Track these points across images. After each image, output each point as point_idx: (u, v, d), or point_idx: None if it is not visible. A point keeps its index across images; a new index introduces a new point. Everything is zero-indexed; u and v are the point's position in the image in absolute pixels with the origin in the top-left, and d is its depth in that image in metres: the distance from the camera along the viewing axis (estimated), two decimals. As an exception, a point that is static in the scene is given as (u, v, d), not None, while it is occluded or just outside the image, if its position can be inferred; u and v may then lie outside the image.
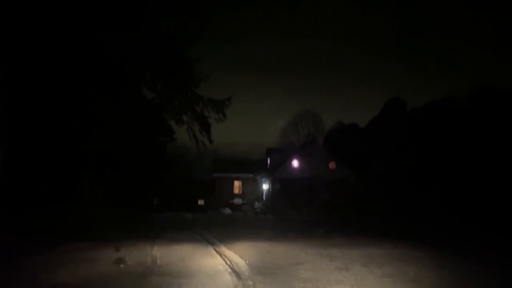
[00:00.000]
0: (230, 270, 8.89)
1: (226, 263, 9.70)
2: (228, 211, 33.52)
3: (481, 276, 8.85)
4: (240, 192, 38.31)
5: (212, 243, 13.23)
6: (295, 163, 33.38)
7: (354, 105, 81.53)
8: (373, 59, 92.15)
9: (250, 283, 7.62)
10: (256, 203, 35.18)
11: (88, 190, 22.46)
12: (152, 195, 32.05)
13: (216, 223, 22.13)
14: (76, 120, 20.64)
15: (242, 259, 10.10)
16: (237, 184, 38.75)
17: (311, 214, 28.31)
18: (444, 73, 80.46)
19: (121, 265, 9.11)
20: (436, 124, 34.04)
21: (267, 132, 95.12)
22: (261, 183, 36.99)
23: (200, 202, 37.73)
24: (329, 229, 19.31)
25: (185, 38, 18.13)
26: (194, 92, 20.39)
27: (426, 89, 77.79)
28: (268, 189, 34.61)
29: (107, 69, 19.23)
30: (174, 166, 35.66)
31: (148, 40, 16.95)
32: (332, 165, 32.82)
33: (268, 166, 37.68)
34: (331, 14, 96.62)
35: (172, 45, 18.10)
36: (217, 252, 11.39)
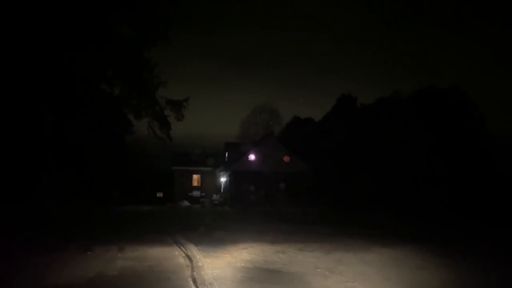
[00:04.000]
0: (184, 254, 10.67)
1: (181, 249, 11.46)
2: (186, 203, 35.08)
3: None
4: (199, 185, 39.93)
5: (170, 234, 14.88)
6: (252, 156, 35.36)
7: (311, 99, 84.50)
8: (329, 57, 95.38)
9: (200, 264, 9.42)
10: (214, 196, 36.99)
11: (47, 186, 23.27)
12: (111, 189, 33.00)
13: (174, 214, 23.75)
14: (32, 114, 21.10)
15: (196, 246, 11.90)
16: (196, 177, 40.32)
17: (266, 205, 30.45)
18: (393, 71, 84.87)
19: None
20: (383, 119, 37.10)
21: (228, 125, 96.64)
22: (220, 176, 38.78)
23: (159, 194, 38.95)
24: (280, 218, 21.53)
25: (145, 42, 19.32)
26: (153, 95, 21.65)
27: (376, 85, 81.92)
28: (226, 182, 36.46)
29: (65, 65, 19.86)
30: (134, 159, 36.63)
31: (109, 42, 17.97)
32: (286, 158, 35.08)
33: (226, 159, 39.48)
34: (293, 8, 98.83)
35: (132, 49, 19.21)
36: (174, 241, 13.08)
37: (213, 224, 18.69)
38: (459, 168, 29.45)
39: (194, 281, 7.89)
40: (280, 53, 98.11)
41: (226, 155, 39.76)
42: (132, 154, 36.51)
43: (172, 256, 10.57)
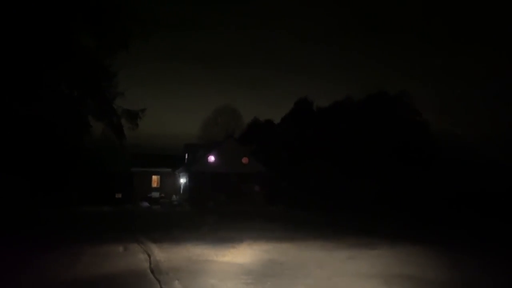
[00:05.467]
0: (142, 250, 12.14)
1: (140, 246, 12.91)
2: (145, 204, 36.07)
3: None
4: (158, 186, 40.91)
5: (130, 231, 16.22)
6: (211, 158, 36.86)
7: (271, 100, 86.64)
8: (289, 59, 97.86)
9: (158, 258, 10.94)
10: (174, 196, 38.19)
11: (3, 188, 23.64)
12: (70, 190, 33.47)
13: (133, 214, 24.89)
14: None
15: (154, 243, 13.37)
16: (155, 178, 41.27)
17: (225, 205, 32.07)
18: (349, 75, 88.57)
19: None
20: (337, 122, 39.69)
21: (190, 125, 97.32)
22: (179, 177, 39.97)
23: (118, 195, 39.56)
24: (234, 217, 23.23)
25: (105, 51, 20.25)
26: (110, 104, 22.60)
27: (333, 90, 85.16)
28: (186, 183, 37.74)
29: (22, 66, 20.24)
30: (92, 160, 37.12)
31: (67, 50, 18.75)
32: (245, 160, 36.82)
33: (186, 161, 40.75)
34: (255, 9, 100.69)
35: (92, 57, 20.09)
36: (134, 238, 14.47)
37: (171, 223, 20.10)
38: (402, 168, 32.36)
39: (152, 271, 9.42)
40: (242, 54, 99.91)
41: (186, 156, 41.00)
42: (91, 155, 37.00)
43: (133, 252, 12.01)
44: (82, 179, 35.42)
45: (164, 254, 11.43)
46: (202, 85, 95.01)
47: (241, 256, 11.50)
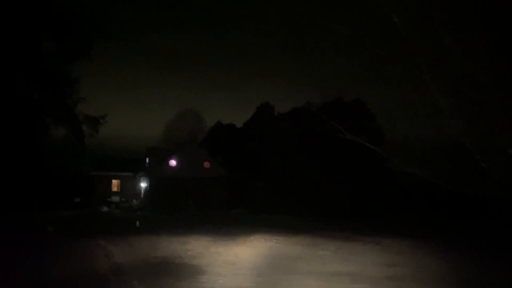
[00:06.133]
0: (104, 253, 12.83)
1: (100, 246, 13.57)
2: (105, 209, 36.10)
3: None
4: (119, 190, 40.97)
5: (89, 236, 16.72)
6: (173, 162, 37.37)
7: (234, 105, 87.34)
8: (253, 63, 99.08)
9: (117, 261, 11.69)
10: (135, 201, 38.40)
11: None
12: (28, 194, 33.02)
13: (93, 220, 25.18)
14: None
15: (115, 246, 14.04)
16: (115, 182, 41.30)
17: (187, 209, 32.67)
18: (308, 81, 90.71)
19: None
20: (296, 128, 41.11)
21: (152, 128, 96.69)
22: (140, 181, 40.19)
23: (77, 199, 39.26)
24: (195, 221, 24.01)
25: (67, 57, 20.56)
26: (72, 110, 22.88)
27: (293, 95, 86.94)
28: (147, 187, 38.05)
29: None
30: (53, 163, 36.71)
31: (30, 56, 19.01)
32: (206, 164, 37.58)
33: (148, 165, 40.98)
34: (219, 13, 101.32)
35: (54, 62, 20.38)
36: (93, 241, 15.05)
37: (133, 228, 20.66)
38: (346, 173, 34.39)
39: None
40: (205, 57, 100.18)
41: (147, 160, 41.24)
42: (50, 159, 36.60)
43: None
44: (40, 183, 35.01)
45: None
46: (165, 88, 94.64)
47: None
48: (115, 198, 38.30)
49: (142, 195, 39.35)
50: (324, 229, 20.66)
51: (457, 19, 5.88)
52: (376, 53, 7.29)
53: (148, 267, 11.02)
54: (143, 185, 39.26)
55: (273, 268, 11.31)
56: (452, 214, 25.19)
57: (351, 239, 17.12)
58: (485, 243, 16.45)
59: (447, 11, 5.87)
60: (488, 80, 6.02)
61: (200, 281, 9.65)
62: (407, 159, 7.50)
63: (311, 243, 15.68)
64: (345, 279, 10.25)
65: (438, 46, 6.22)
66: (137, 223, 21.25)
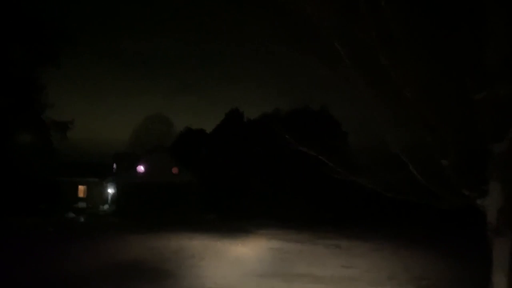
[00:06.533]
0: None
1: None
2: (71, 215, 35.67)
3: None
4: (85, 196, 40.54)
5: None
6: (141, 168, 37.41)
7: (204, 110, 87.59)
8: (223, 69, 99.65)
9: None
10: (101, 207, 38.14)
11: None
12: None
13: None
14: None
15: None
16: (81, 188, 40.84)
17: (154, 215, 32.80)
18: (277, 88, 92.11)
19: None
20: (265, 134, 41.97)
21: (120, 132, 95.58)
22: (107, 187, 39.94)
23: (42, 206, 38.62)
24: (158, 226, 24.37)
25: (33, 64, 20.54)
26: (39, 115, 22.80)
27: (263, 101, 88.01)
28: (114, 193, 37.89)
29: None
30: (16, 168, 36.01)
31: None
32: (175, 170, 37.82)
33: (115, 170, 40.77)
34: (191, 18, 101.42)
35: (20, 69, 20.34)
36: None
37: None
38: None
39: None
40: (175, 62, 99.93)
41: (115, 166, 41.04)
42: (15, 163, 35.96)
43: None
44: (4, 188, 34.33)
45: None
46: (134, 92, 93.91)
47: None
48: (81, 204, 37.92)
49: (109, 201, 39.13)
50: (291, 233, 21.54)
51: (391, 44, 6.72)
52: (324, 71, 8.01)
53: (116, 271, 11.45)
54: (111, 191, 39.06)
55: (240, 270, 11.97)
56: (406, 220, 26.53)
57: (315, 243, 18.00)
58: (434, 245, 17.67)
59: (383, 37, 6.70)
60: (419, 98, 6.92)
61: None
62: (355, 168, 8.26)
63: (278, 246, 16.44)
64: (304, 280, 11.03)
65: (377, 67, 7.05)
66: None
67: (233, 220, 30.04)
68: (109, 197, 39.31)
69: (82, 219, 33.19)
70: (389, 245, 17.85)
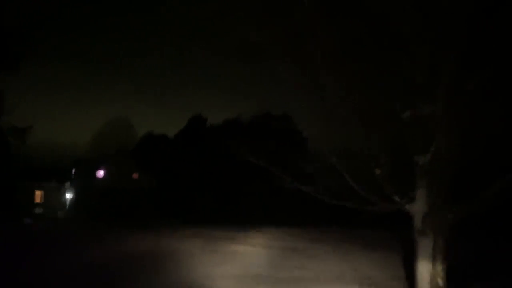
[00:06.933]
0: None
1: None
2: (28, 221, 34.93)
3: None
4: (42, 201, 39.73)
5: None
6: (100, 173, 37.15)
7: (166, 115, 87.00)
8: (185, 74, 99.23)
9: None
10: (59, 212, 37.53)
11: None
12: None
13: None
14: None
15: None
16: (38, 193, 40.01)
17: (115, 220, 32.68)
18: (239, 94, 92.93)
19: None
20: (228, 140, 42.61)
21: (81, 136, 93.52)
22: (66, 192, 39.37)
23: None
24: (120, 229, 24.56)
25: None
26: None
27: (226, 108, 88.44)
28: (72, 199, 37.42)
29: None
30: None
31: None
32: (135, 175, 37.81)
33: (74, 175, 40.25)
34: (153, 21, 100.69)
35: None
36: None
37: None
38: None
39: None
40: (137, 66, 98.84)
41: (74, 170, 40.50)
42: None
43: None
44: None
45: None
46: (95, 96, 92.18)
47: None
48: (39, 210, 37.18)
49: (67, 206, 38.56)
50: (251, 237, 22.30)
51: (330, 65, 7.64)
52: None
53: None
54: (69, 196, 38.51)
55: (196, 273, 12.57)
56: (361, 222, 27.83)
57: (272, 246, 18.81)
58: (384, 246, 18.83)
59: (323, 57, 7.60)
60: (354, 115, 7.89)
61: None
62: (300, 176, 9.10)
63: (237, 249, 17.13)
64: (256, 281, 11.78)
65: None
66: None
67: (193, 225, 30.43)
68: (67, 202, 38.74)
69: (38, 225, 32.63)
70: (343, 247, 18.90)
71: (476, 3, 6.17)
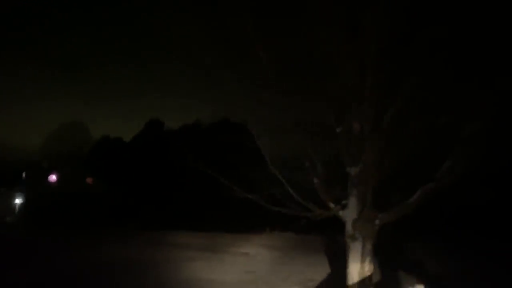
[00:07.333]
0: None
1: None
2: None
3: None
4: (-10, 206, 38.35)
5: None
6: (53, 177, 36.33)
7: (123, 119, 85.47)
8: (142, 77, 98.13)
9: None
10: (8, 218, 36.33)
11: None
12: None
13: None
14: None
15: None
16: (-15, 198, 38.62)
17: (66, 225, 32.13)
18: (198, 99, 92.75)
19: None
20: (186, 145, 42.75)
21: (32, 140, 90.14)
22: (16, 197, 38.12)
23: None
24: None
25: None
26: None
27: (184, 112, 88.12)
28: (22, 204, 36.35)
29: None
30: None
31: None
32: (89, 180, 37.26)
33: (25, 179, 39.08)
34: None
35: None
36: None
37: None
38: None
39: None
40: (93, 69, 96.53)
41: (24, 174, 39.36)
42: None
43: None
44: None
45: None
46: (49, 97, 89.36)
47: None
48: (-15, 215, 35.90)
49: (16, 211, 37.38)
50: (205, 243, 22.72)
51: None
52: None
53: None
54: (19, 201, 37.36)
55: (147, 280, 12.96)
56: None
57: (225, 251, 19.38)
58: (331, 251, 19.83)
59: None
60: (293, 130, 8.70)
61: None
62: (248, 184, 9.80)
63: (189, 255, 17.56)
64: (205, 285, 12.37)
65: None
66: None
67: (149, 231, 30.49)
68: (17, 207, 37.60)
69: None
70: (292, 252, 19.73)
71: (391, 36, 7.07)
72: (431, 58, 6.95)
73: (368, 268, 8.51)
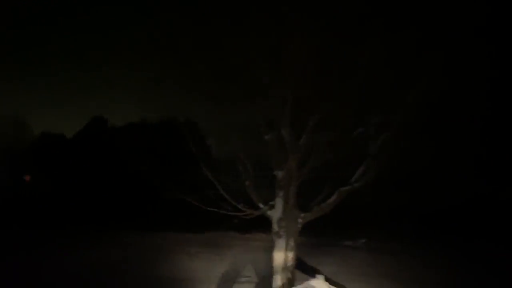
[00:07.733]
0: None
1: None
2: None
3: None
4: None
5: None
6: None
7: (66, 115, 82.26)
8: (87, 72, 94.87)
9: None
10: None
11: None
12: None
13: None
14: None
15: None
16: None
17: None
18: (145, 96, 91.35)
19: None
20: (131, 143, 42.33)
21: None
22: None
23: None
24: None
25: None
26: None
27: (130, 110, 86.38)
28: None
29: None
30: None
31: None
32: (27, 178, 36.08)
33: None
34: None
35: None
36: None
37: None
38: None
39: None
40: (33, 64, 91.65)
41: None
42: None
43: None
44: None
45: None
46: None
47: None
48: None
49: None
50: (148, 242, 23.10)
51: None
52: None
53: None
54: None
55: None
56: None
57: (174, 251, 19.91)
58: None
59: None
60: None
61: None
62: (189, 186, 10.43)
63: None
64: (145, 282, 12.94)
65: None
66: None
67: (95, 231, 30.12)
68: None
69: None
70: (234, 251, 20.53)
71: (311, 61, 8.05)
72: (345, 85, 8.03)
73: (291, 264, 9.50)
